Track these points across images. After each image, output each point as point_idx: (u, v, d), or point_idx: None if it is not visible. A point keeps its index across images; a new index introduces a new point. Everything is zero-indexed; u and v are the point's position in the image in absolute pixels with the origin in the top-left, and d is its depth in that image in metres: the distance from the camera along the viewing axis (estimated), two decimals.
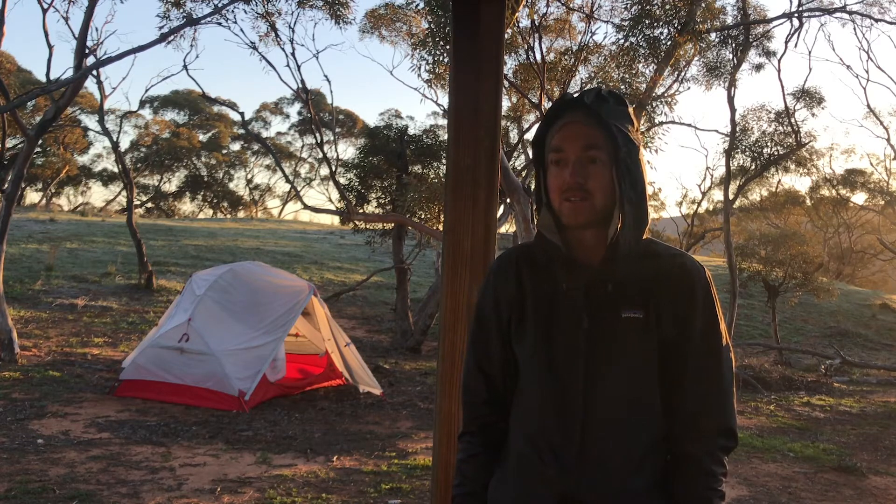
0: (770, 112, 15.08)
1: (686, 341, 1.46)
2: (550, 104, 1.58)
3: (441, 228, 9.72)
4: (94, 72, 13.30)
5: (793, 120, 14.26)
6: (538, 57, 9.64)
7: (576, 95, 1.50)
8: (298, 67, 18.01)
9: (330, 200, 36.51)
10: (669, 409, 1.48)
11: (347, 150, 32.61)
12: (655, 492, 1.46)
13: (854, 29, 17.81)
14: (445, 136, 11.66)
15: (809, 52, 42.13)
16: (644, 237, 1.49)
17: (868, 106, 26.11)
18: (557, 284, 1.50)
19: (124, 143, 31.85)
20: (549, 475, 1.46)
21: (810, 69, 20.51)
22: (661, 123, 12.44)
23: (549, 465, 1.46)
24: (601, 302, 1.46)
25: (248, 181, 38.56)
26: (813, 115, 16.20)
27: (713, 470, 1.45)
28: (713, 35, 12.63)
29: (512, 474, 1.52)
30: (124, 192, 25.36)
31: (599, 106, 1.45)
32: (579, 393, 1.45)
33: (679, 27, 10.00)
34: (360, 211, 12.19)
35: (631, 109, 1.52)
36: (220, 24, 11.13)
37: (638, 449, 1.45)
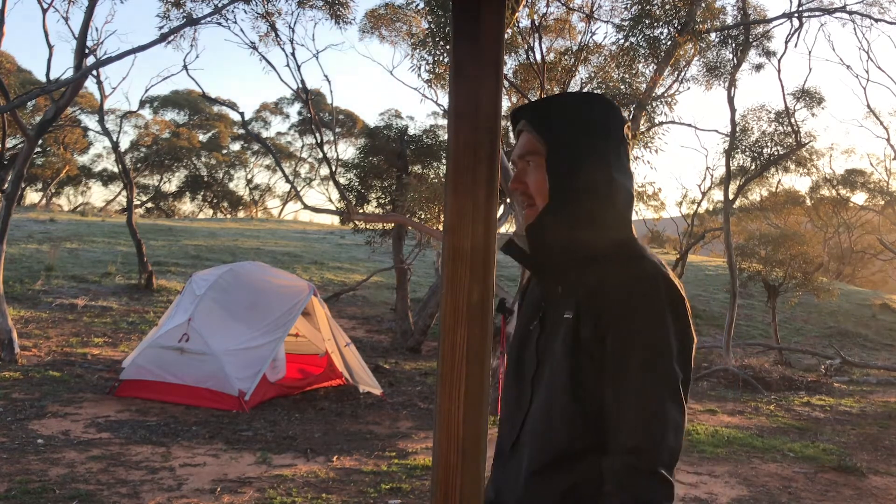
0: (770, 112, 15.10)
1: (603, 348, 1.35)
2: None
3: (441, 228, 9.73)
4: (94, 72, 13.30)
5: (793, 120, 14.26)
6: (538, 57, 9.65)
7: (517, 107, 1.56)
8: (298, 67, 17.99)
9: (330, 200, 36.52)
10: (599, 420, 1.37)
11: (347, 150, 32.62)
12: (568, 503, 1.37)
13: (854, 29, 17.82)
14: (445, 136, 11.67)
15: (809, 52, 42.16)
16: (607, 235, 1.43)
17: (868, 106, 26.11)
18: (535, 288, 1.59)
19: (124, 143, 31.88)
20: (494, 469, 1.54)
21: (810, 69, 20.53)
22: (661, 123, 12.44)
23: (496, 460, 1.54)
24: (554, 302, 1.47)
25: (248, 181, 38.59)
26: (813, 115, 16.21)
27: (610, 490, 1.31)
28: (713, 35, 12.64)
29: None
30: (124, 192, 25.37)
31: (533, 111, 1.49)
32: (527, 395, 1.47)
33: (679, 27, 10.00)
34: (360, 211, 12.19)
35: (577, 108, 1.50)
36: (220, 24, 11.14)
37: (546, 454, 1.39)
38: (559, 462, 1.39)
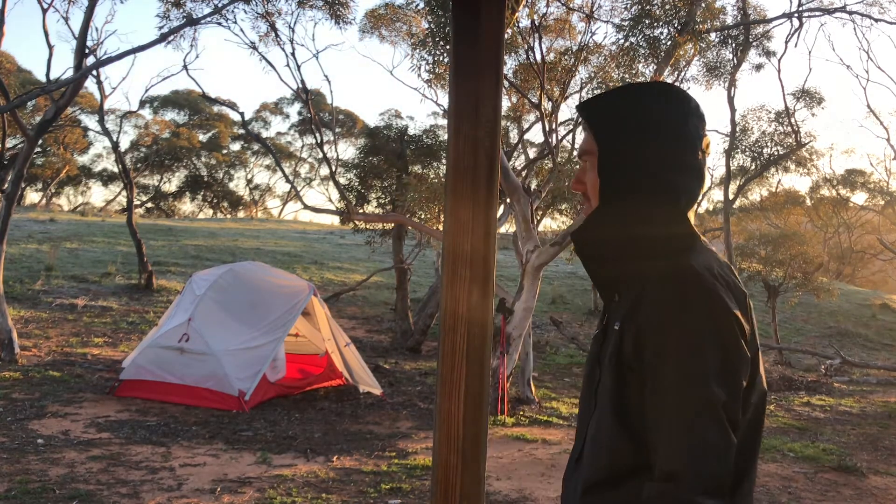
0: (770, 112, 15.12)
1: (641, 366, 1.28)
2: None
3: (441, 228, 9.73)
4: (94, 72, 13.30)
5: (793, 120, 14.27)
6: (538, 57, 9.64)
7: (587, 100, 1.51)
8: (298, 67, 17.99)
9: (330, 200, 36.54)
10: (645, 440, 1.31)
11: (347, 150, 32.62)
12: None
13: (854, 29, 17.84)
14: (445, 136, 11.66)
15: (809, 52, 42.20)
16: (661, 236, 1.35)
17: (868, 106, 26.19)
18: None
19: (124, 143, 31.86)
20: (563, 485, 1.51)
21: (810, 69, 20.56)
22: None
23: (564, 476, 1.50)
24: (612, 312, 1.41)
25: (248, 181, 38.61)
26: (813, 115, 16.26)
27: None
28: (713, 35, 12.64)
29: None
30: (124, 192, 25.37)
31: (589, 107, 1.44)
32: (590, 407, 1.42)
33: (679, 27, 10.00)
34: (360, 211, 12.19)
35: (646, 99, 1.40)
36: (220, 24, 11.14)
37: (595, 474, 1.34)
38: (605, 482, 1.32)
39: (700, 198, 1.45)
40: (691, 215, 1.39)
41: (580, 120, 1.45)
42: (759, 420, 1.36)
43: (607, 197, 1.39)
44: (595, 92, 11.07)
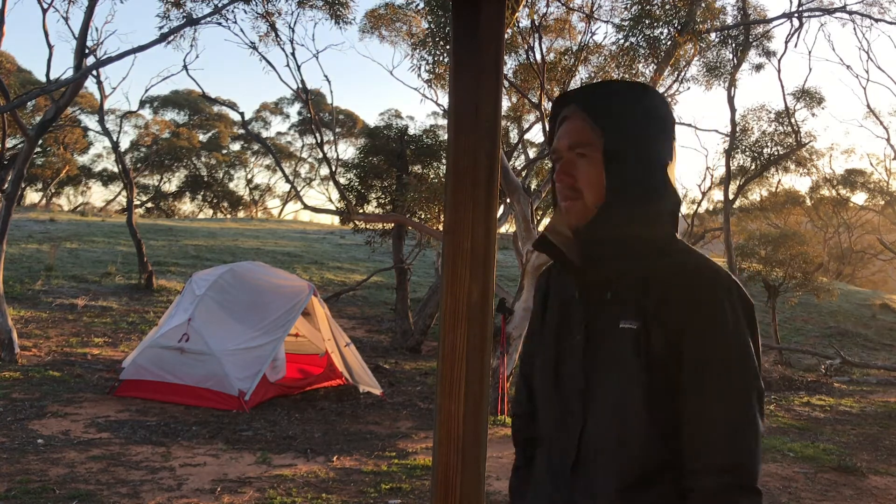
0: (770, 112, 15.12)
1: (681, 366, 1.28)
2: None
3: (441, 228, 9.73)
4: (94, 72, 13.31)
5: (793, 120, 14.27)
6: (538, 57, 9.64)
7: (567, 91, 1.42)
8: (298, 67, 18.02)
9: (330, 200, 36.51)
10: (673, 437, 1.31)
11: (347, 150, 32.66)
12: None
13: (854, 29, 17.84)
14: (445, 136, 11.66)
15: (809, 52, 42.22)
16: (660, 236, 1.36)
17: (868, 106, 26.16)
18: (569, 288, 1.43)
19: (124, 143, 31.91)
20: (549, 490, 1.41)
21: (810, 69, 20.56)
22: None
23: (549, 479, 1.42)
24: (600, 310, 1.36)
25: (248, 181, 38.61)
26: (813, 115, 16.28)
27: None
28: (713, 35, 12.63)
29: (533, 485, 1.50)
30: (124, 192, 25.37)
31: (588, 96, 1.37)
32: (578, 411, 1.37)
33: (679, 27, 9.99)
34: (360, 211, 12.19)
35: (652, 106, 1.38)
36: (220, 24, 11.15)
37: (626, 474, 1.31)
38: (639, 481, 1.31)
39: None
40: None
41: (555, 110, 1.43)
42: None
43: (617, 193, 1.33)
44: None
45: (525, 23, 10.17)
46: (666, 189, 1.36)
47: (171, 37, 10.84)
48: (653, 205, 1.35)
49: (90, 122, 28.27)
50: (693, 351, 1.28)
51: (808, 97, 15.22)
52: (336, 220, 16.61)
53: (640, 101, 1.37)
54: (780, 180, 22.00)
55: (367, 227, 13.09)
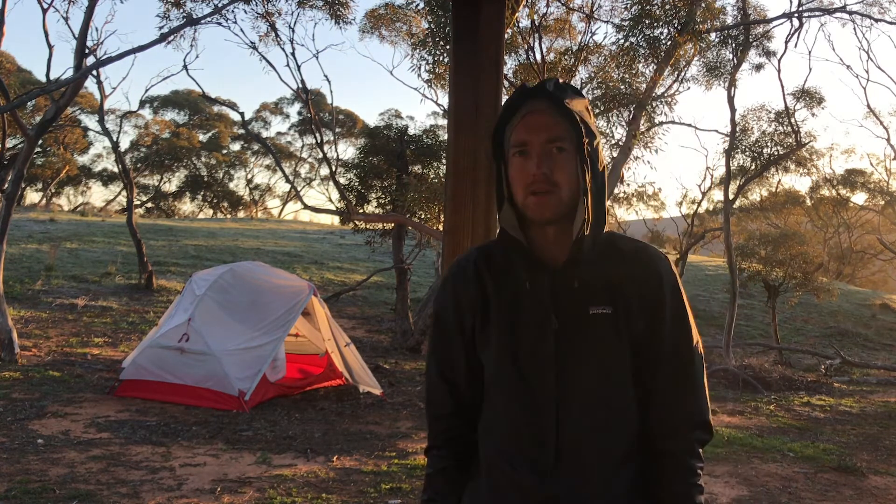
0: (770, 112, 15.10)
1: (656, 336, 1.41)
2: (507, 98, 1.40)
3: (441, 228, 9.73)
4: (94, 72, 13.30)
5: (793, 120, 14.26)
6: (538, 57, 9.65)
7: (535, 85, 1.42)
8: (298, 67, 17.99)
9: (330, 200, 36.50)
10: (644, 406, 1.42)
11: (347, 150, 32.64)
12: (636, 492, 1.40)
13: (854, 29, 17.83)
14: (445, 136, 11.66)
15: (809, 52, 42.26)
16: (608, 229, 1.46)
17: (868, 106, 26.13)
18: (520, 284, 1.42)
19: (124, 143, 31.90)
20: (527, 485, 1.38)
21: (810, 69, 20.50)
22: (661, 123, 12.45)
23: (525, 475, 1.38)
24: (568, 300, 1.39)
25: (248, 181, 38.59)
26: (813, 115, 16.23)
27: (691, 465, 1.41)
28: (713, 35, 12.64)
29: (486, 488, 1.45)
30: (124, 192, 25.37)
31: (562, 94, 1.39)
32: (551, 397, 1.38)
33: (679, 27, 10.00)
34: (360, 211, 12.18)
35: (586, 101, 1.46)
36: (220, 24, 11.14)
37: (616, 449, 1.39)
38: (623, 461, 1.41)
39: None
40: None
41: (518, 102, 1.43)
42: None
43: (594, 192, 1.39)
44: (596, 92, 11.07)
45: (525, 23, 10.18)
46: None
47: (171, 37, 10.84)
48: (605, 199, 1.43)
49: (90, 122, 28.28)
50: (668, 327, 1.42)
51: (808, 97, 15.20)
52: (336, 220, 16.61)
53: (587, 106, 1.45)
54: (780, 180, 21.98)
55: (367, 227, 13.09)
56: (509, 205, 1.42)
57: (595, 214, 1.38)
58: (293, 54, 15.20)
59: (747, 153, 15.20)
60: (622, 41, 10.54)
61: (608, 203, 1.58)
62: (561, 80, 1.44)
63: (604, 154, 1.45)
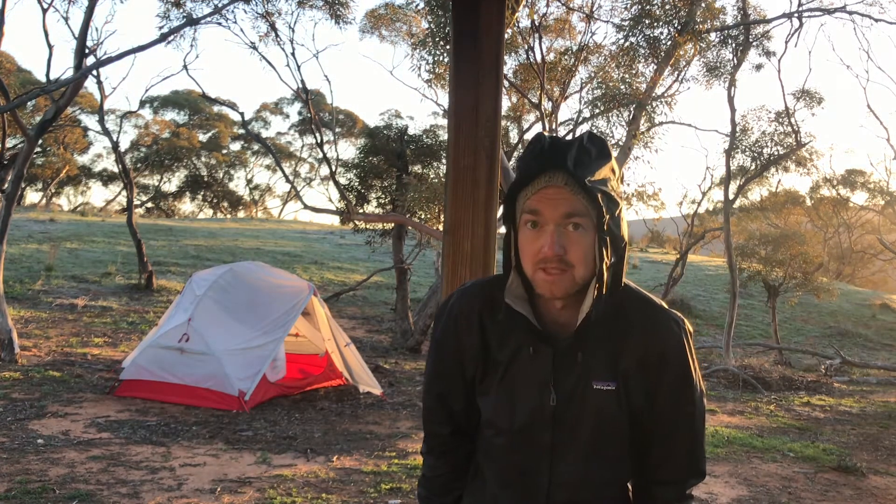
0: (770, 112, 15.09)
1: (658, 405, 1.40)
2: (523, 151, 1.29)
3: (441, 228, 9.72)
4: (94, 72, 13.29)
5: (793, 120, 14.26)
6: (538, 57, 9.65)
7: (554, 148, 1.29)
8: (298, 67, 18.00)
9: (330, 200, 36.58)
10: (639, 456, 1.45)
11: (347, 150, 32.66)
12: None
13: (854, 29, 17.83)
14: (445, 136, 11.66)
15: (809, 52, 42.30)
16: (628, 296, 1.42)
17: (868, 106, 26.17)
18: (523, 349, 1.38)
19: (124, 143, 31.87)
20: None
21: (810, 69, 20.46)
22: (661, 123, 12.44)
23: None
24: (570, 376, 1.37)
25: (248, 181, 38.58)
26: (813, 115, 16.24)
27: None
28: (713, 35, 12.63)
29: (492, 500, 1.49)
30: (124, 192, 25.35)
31: (582, 168, 1.26)
32: (544, 459, 1.40)
33: (679, 27, 10.00)
34: (360, 211, 12.18)
35: (614, 159, 1.35)
36: (220, 24, 11.15)
37: (607, 498, 1.44)
38: (618, 494, 1.46)
39: None
40: None
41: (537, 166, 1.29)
42: None
43: (612, 270, 1.32)
44: (596, 93, 11.07)
45: (525, 23, 10.18)
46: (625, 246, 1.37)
47: (171, 37, 10.84)
48: (624, 265, 1.36)
49: (90, 122, 28.26)
50: (668, 394, 1.40)
51: (808, 97, 15.18)
52: (336, 220, 16.60)
53: (612, 164, 1.34)
54: (780, 180, 22.09)
55: (367, 227, 13.09)
56: (516, 273, 1.35)
57: (611, 286, 1.32)
58: (293, 54, 15.21)
59: (747, 153, 15.19)
60: (622, 41, 10.55)
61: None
62: (587, 138, 1.31)
63: (626, 218, 1.37)
